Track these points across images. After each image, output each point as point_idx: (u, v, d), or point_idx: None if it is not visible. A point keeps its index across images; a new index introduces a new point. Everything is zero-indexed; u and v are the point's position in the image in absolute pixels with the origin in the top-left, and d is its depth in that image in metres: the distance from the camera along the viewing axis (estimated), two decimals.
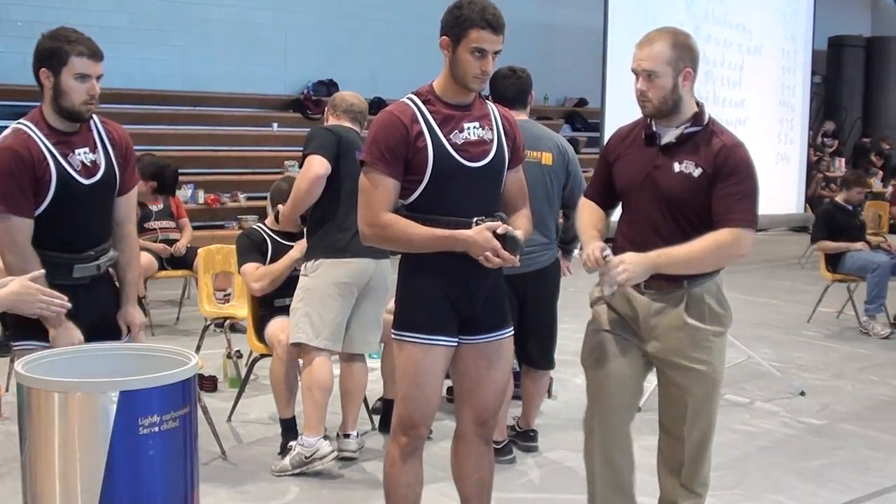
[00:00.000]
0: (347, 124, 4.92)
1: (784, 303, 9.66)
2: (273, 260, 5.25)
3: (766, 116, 7.99)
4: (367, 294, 4.84)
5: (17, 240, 3.35)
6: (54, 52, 3.36)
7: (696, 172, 3.32)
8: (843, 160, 18.59)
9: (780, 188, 8.18)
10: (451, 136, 3.25)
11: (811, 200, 12.88)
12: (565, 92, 17.32)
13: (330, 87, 15.03)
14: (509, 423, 5.08)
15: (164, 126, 13.05)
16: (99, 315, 3.60)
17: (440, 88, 3.30)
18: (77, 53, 3.35)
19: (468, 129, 3.28)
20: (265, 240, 5.34)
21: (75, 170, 3.42)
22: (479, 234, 3.15)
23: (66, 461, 2.59)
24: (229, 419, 5.47)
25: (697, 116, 3.37)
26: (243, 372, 5.78)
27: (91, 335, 3.47)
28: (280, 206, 5.17)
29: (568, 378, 6.45)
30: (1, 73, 11.46)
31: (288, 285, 5.23)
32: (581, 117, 17.33)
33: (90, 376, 2.78)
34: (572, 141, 6.31)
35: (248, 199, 12.40)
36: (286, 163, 13.13)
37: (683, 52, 3.33)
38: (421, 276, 3.31)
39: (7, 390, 5.82)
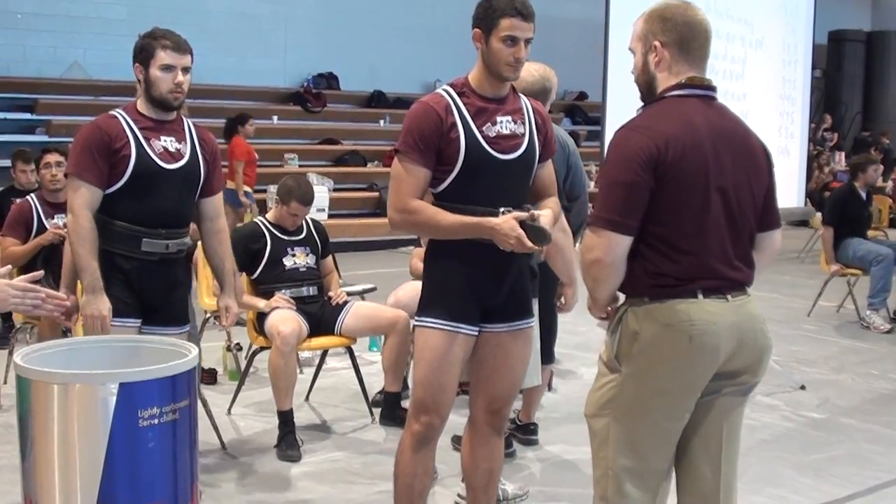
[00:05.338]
0: None
1: (784, 297, 9.64)
2: (271, 254, 5.28)
3: (767, 110, 7.97)
4: None
5: (75, 202, 3.64)
6: (143, 48, 3.73)
7: None
8: (843, 154, 18.60)
9: (781, 182, 8.10)
10: (483, 129, 3.29)
11: (811, 195, 12.87)
12: (565, 85, 17.29)
13: (330, 79, 15.04)
14: (510, 416, 5.08)
15: None
16: (162, 297, 3.82)
17: (475, 81, 3.34)
18: (162, 47, 3.70)
19: (501, 122, 3.32)
20: (263, 234, 5.33)
21: (155, 153, 3.73)
22: (506, 223, 3.17)
23: (66, 453, 2.58)
24: (229, 412, 5.47)
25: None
26: (243, 364, 5.77)
27: (150, 315, 3.76)
28: None
29: (568, 371, 6.46)
30: (1, 65, 11.39)
31: (286, 279, 5.24)
32: (581, 111, 17.34)
33: (90, 368, 2.78)
34: (573, 135, 6.29)
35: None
36: (286, 155, 13.12)
37: (654, 25, 2.84)
38: (446, 263, 3.34)
39: (6, 382, 5.82)
